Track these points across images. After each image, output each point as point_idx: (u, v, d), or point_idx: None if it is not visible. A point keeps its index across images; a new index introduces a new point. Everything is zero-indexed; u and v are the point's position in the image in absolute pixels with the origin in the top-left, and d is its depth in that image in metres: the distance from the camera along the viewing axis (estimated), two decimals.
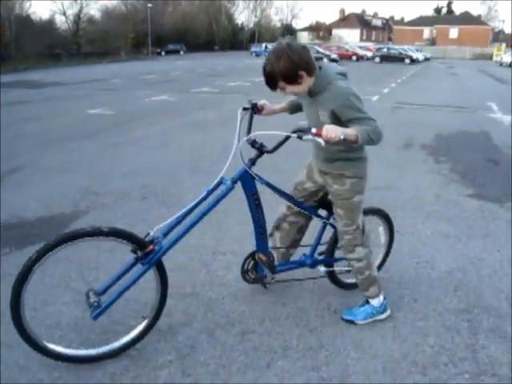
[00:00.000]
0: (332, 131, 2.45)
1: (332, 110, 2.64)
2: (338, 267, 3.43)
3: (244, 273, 3.24)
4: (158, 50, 64.28)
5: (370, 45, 64.39)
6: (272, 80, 2.65)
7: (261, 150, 2.81)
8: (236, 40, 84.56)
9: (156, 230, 2.72)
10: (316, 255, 3.34)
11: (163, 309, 2.89)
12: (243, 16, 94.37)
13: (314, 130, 2.50)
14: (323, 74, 2.68)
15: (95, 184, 5.84)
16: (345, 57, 47.11)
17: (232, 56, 56.38)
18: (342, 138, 2.45)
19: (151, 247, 2.63)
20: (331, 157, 2.89)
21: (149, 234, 2.70)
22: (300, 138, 2.59)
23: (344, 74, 2.74)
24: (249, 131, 2.85)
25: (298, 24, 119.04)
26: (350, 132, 2.51)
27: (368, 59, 49.26)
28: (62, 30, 59.53)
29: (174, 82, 20.99)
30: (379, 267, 3.54)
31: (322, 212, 3.24)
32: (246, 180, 2.84)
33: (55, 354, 2.65)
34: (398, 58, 46.03)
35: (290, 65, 2.56)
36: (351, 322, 3.12)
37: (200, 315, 3.19)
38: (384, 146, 8.15)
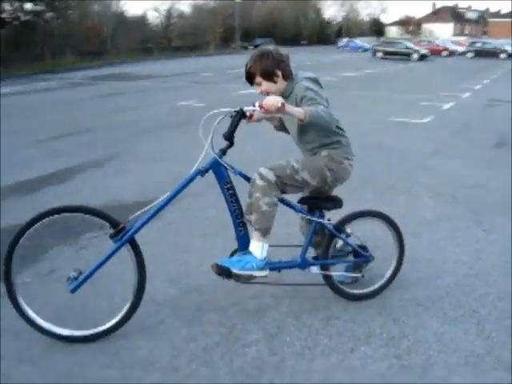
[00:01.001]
0: (270, 99, 2.66)
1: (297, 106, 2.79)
2: (337, 272, 3.29)
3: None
4: (246, 45, 65.06)
5: (462, 39, 62.07)
6: (251, 74, 2.98)
7: (231, 139, 2.96)
8: (323, 34, 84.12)
9: (134, 216, 2.91)
10: (308, 256, 3.25)
11: (144, 289, 2.95)
12: (331, 10, 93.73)
13: (256, 103, 2.74)
14: (294, 78, 2.97)
15: (188, 172, 6.10)
16: (435, 52, 45.78)
17: (319, 50, 56.13)
18: (279, 105, 2.60)
19: (122, 226, 2.84)
20: (310, 147, 3.10)
21: (128, 221, 2.90)
22: (244, 112, 2.90)
23: (314, 79, 2.96)
24: (231, 133, 2.95)
25: (387, 18, 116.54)
26: (298, 109, 2.69)
27: (460, 54, 47.58)
28: (154, 25, 61.53)
29: None
30: (391, 278, 3.41)
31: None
32: (218, 169, 3.00)
33: (37, 325, 2.89)
34: (493, 53, 44.11)
35: (271, 62, 2.90)
36: (225, 272, 2.93)
37: (287, 299, 3.34)
38: (475, 143, 8.02)
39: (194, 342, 2.89)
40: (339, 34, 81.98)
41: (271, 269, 3.07)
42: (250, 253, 2.98)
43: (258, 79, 2.97)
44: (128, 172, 6.24)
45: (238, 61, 35.06)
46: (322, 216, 3.17)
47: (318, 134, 2.98)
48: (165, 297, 3.36)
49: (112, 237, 2.85)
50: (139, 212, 2.91)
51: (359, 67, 26.18)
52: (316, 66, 27.94)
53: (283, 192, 3.01)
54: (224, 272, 2.94)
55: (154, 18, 62.31)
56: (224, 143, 3.00)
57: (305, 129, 2.94)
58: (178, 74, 22.55)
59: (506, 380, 2.63)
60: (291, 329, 3.02)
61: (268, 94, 2.96)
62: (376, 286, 3.38)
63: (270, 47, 3.00)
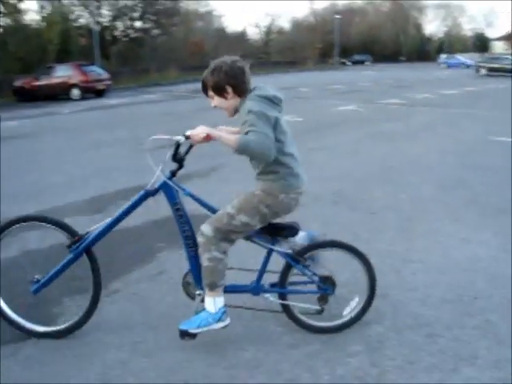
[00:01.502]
0: (195, 130, 2.72)
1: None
2: (295, 302, 3.13)
3: (185, 285, 3.14)
4: (343, 60, 64.93)
5: None
6: (204, 87, 2.90)
7: (180, 162, 3.00)
8: (423, 51, 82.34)
9: (92, 229, 3.04)
10: (263, 283, 3.13)
11: (99, 296, 3.15)
12: (432, 26, 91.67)
13: (187, 132, 2.76)
14: (248, 95, 2.80)
15: None
16: None
17: (419, 67, 55.01)
18: (202, 136, 2.68)
19: (77, 237, 3.03)
20: (255, 173, 2.97)
21: (87, 232, 3.06)
22: (178, 141, 2.86)
23: (268, 98, 2.78)
24: (173, 156, 2.98)
25: (492, 33, 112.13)
26: (229, 138, 2.64)
27: None
28: (253, 40, 62.92)
29: (361, 93, 21.19)
30: (361, 314, 3.18)
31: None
32: (167, 190, 3.01)
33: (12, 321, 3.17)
34: None
35: (221, 77, 2.78)
36: (186, 334, 2.91)
37: (389, 314, 3.36)
38: None
39: (297, 349, 2.99)
40: (440, 50, 79.78)
41: (226, 291, 3.00)
42: (205, 309, 2.94)
43: (210, 93, 2.90)
44: (232, 182, 6.47)
45: (337, 76, 35.16)
46: (274, 242, 3.05)
47: (267, 165, 2.83)
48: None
49: (69, 247, 3.05)
50: (94, 227, 3.06)
51: (461, 84, 25.41)
52: (416, 84, 27.41)
53: (229, 241, 2.92)
54: (186, 335, 2.93)
55: (253, 33, 63.72)
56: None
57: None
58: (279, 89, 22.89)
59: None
60: (393, 343, 3.04)
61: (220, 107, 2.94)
62: (344, 319, 3.18)
63: (228, 60, 2.84)
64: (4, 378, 2.80)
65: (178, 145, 2.92)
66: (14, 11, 30.79)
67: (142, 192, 3.03)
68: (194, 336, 2.93)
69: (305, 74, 40.88)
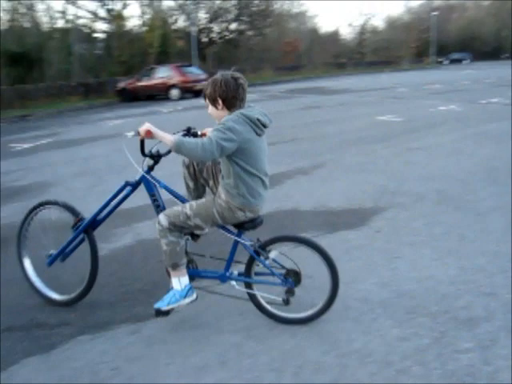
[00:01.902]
0: (143, 126, 3.03)
1: None
2: (261, 292, 3.32)
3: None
4: (440, 59, 62.93)
5: None
6: (204, 95, 3.17)
7: (154, 157, 3.36)
8: None
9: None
10: (231, 271, 3.34)
11: (97, 268, 3.59)
12: None
13: (138, 128, 3.07)
14: (236, 111, 3.08)
15: (391, 184, 6.26)
16: None
17: None
18: (141, 133, 3.02)
19: (78, 219, 3.57)
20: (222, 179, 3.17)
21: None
22: (126, 136, 3.21)
23: (248, 118, 3.01)
24: (141, 151, 3.36)
25: None
26: (167, 137, 2.95)
27: None
28: (346, 40, 62.38)
29: (460, 92, 20.49)
30: (325, 308, 3.22)
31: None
32: (146, 183, 3.39)
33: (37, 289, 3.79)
34: None
35: (217, 90, 3.05)
36: (159, 312, 3.22)
37: (500, 314, 3.32)
38: None
39: (407, 342, 3.03)
40: None
41: (196, 275, 3.39)
42: (172, 288, 3.25)
43: (207, 102, 3.16)
44: (334, 180, 6.55)
45: (434, 76, 34.14)
46: (240, 233, 3.26)
47: (232, 166, 3.05)
48: (377, 298, 3.54)
49: (72, 227, 3.57)
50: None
51: None
52: None
53: (181, 231, 3.22)
54: (159, 313, 3.24)
55: (347, 33, 63.20)
56: None
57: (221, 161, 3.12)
58: (374, 89, 22.66)
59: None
60: (506, 343, 3.01)
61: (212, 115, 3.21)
62: (309, 313, 3.24)
63: (227, 75, 3.07)
64: (130, 352, 3.06)
65: (142, 141, 3.26)
66: (119, 18, 32.37)
67: (122, 184, 3.47)
68: (166, 313, 3.24)
69: (400, 73, 40.04)
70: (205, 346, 3.07)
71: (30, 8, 28.88)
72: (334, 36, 61.01)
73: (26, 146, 11.88)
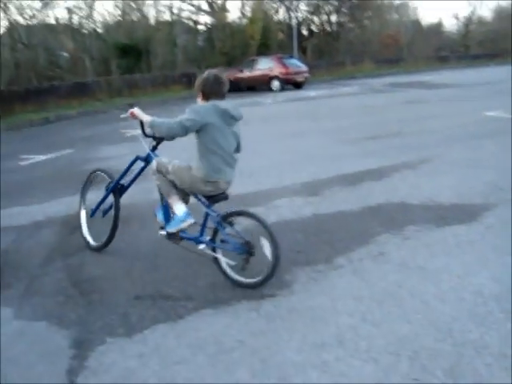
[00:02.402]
0: (134, 110, 4.11)
1: None
2: (223, 257, 3.88)
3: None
4: None
5: None
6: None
7: (155, 138, 4.22)
8: None
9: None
10: (204, 236, 3.97)
11: (115, 233, 4.53)
12: None
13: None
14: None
15: (502, 181, 6.09)
16: None
17: None
18: (129, 114, 4.14)
19: (110, 181, 4.61)
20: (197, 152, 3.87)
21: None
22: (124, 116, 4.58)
23: (215, 107, 3.71)
24: (142, 131, 4.29)
25: None
26: (145, 117, 3.98)
27: None
28: (450, 32, 60.04)
29: None
30: (268, 278, 3.69)
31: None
32: (150, 159, 4.23)
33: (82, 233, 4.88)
34: None
35: (199, 83, 3.85)
36: (169, 235, 4.07)
37: None
38: None
39: None
40: None
41: (182, 238, 4.08)
42: (175, 214, 3.99)
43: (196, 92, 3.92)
44: (441, 175, 6.49)
45: None
46: (209, 205, 3.91)
47: (198, 143, 3.78)
48: (490, 292, 3.54)
49: (106, 187, 4.63)
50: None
51: None
52: None
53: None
54: (169, 236, 4.07)
55: (451, 25, 60.79)
56: None
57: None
58: (479, 84, 21.79)
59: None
60: None
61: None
62: (257, 279, 3.72)
63: (212, 73, 3.87)
64: (252, 327, 3.27)
65: (141, 122, 4.14)
66: (221, 10, 33.10)
67: (134, 157, 4.43)
68: (175, 236, 4.05)
69: (508, 67, 38.09)
70: (322, 325, 3.23)
71: (140, 2, 30.15)
72: (436, 28, 58.85)
73: (136, 132, 12.54)
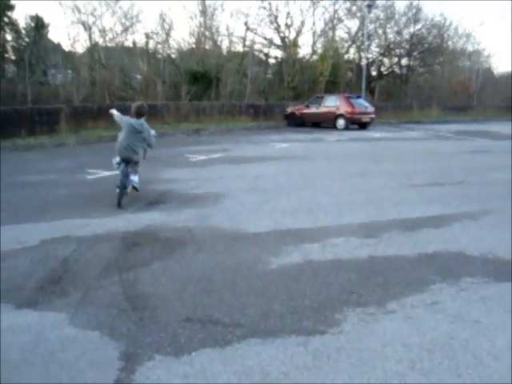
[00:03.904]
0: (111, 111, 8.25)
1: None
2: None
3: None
4: None
5: None
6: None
7: None
8: None
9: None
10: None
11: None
12: None
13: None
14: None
15: None
16: None
17: None
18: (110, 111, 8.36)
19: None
20: None
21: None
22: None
23: (127, 120, 7.64)
24: None
25: None
26: (116, 115, 8.00)
27: None
28: None
29: None
30: None
31: None
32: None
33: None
34: None
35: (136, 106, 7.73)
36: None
37: None
38: None
39: None
40: None
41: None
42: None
43: None
44: (503, 229, 6.31)
45: None
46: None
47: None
48: None
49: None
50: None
51: None
52: None
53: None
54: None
55: None
56: None
57: None
58: None
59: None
60: None
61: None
62: None
63: (140, 103, 7.87)
64: (298, 361, 3.25)
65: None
66: (292, 45, 33.61)
67: None
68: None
69: None
70: (369, 368, 3.19)
71: (215, 32, 31.02)
72: (508, 77, 57.65)
73: (200, 157, 12.84)
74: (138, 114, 7.49)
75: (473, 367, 3.21)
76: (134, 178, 7.54)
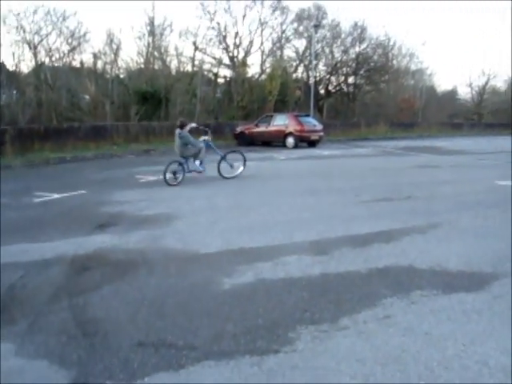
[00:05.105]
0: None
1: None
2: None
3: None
4: None
5: None
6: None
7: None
8: None
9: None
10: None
11: None
12: None
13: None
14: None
15: (510, 251, 6.10)
16: None
17: None
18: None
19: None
20: None
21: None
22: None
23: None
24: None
25: None
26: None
27: None
28: (464, 100, 60.85)
29: None
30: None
31: None
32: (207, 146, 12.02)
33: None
34: None
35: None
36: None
37: None
38: None
39: None
40: None
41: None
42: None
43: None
44: (450, 242, 6.49)
45: None
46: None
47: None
48: (496, 363, 3.48)
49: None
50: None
51: None
52: None
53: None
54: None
55: (465, 93, 61.53)
56: None
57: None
58: (492, 152, 22.01)
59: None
60: None
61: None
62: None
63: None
64: (249, 382, 3.25)
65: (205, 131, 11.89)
66: (241, 65, 33.94)
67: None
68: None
69: None
70: None
71: (163, 52, 31.00)
72: (451, 95, 59.83)
73: (151, 178, 12.73)
74: (180, 127, 12.03)
75: (425, 378, 3.27)
76: (197, 163, 12.16)
